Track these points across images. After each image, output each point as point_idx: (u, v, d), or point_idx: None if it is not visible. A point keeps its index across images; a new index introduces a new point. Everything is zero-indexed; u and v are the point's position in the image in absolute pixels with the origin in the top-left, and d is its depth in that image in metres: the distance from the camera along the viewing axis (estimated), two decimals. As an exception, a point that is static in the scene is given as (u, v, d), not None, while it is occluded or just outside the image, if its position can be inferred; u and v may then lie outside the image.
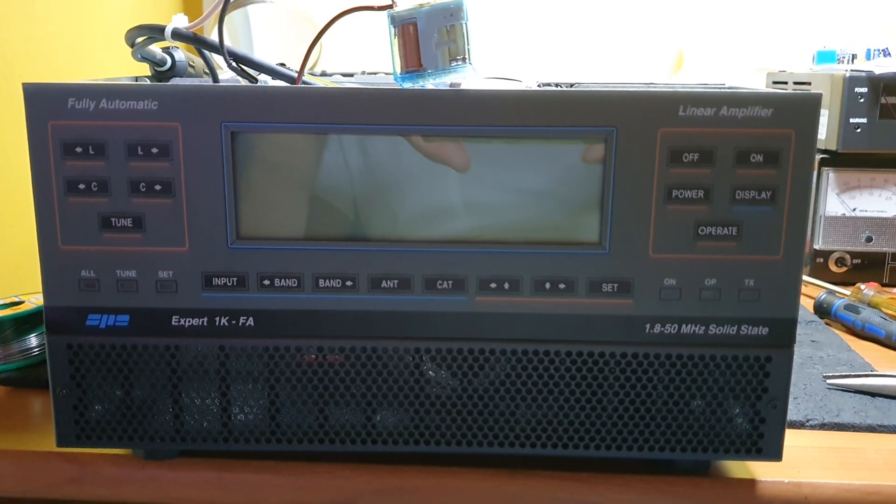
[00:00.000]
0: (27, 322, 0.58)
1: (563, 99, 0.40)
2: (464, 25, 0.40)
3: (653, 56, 1.19)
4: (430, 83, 0.42)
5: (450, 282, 0.42)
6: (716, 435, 0.44)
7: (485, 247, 0.42)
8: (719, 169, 0.41)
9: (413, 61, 0.41)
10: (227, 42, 0.45)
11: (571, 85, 0.55)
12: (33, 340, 0.58)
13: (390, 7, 0.41)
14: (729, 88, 0.53)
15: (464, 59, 0.41)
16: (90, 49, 0.86)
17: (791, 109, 0.40)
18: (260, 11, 0.99)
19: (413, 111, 0.40)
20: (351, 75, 0.77)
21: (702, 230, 0.42)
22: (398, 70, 0.41)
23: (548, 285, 0.42)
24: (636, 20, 1.17)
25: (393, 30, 0.41)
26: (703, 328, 0.43)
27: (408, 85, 0.41)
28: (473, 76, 0.42)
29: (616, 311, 0.43)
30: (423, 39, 0.41)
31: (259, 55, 1.09)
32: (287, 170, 0.42)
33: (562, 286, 0.42)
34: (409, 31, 0.41)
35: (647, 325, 0.43)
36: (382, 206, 0.42)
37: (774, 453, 0.44)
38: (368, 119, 0.41)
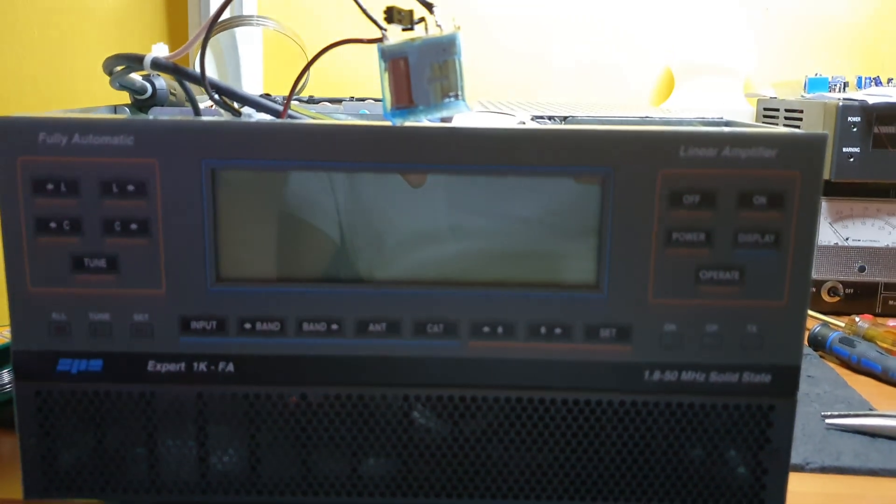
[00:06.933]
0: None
1: (558, 137, 0.39)
2: (457, 61, 0.39)
3: (641, 73, 1.18)
4: (421, 120, 0.40)
5: (441, 325, 0.40)
6: (716, 486, 0.42)
7: (478, 288, 0.40)
8: (721, 211, 0.39)
9: (404, 98, 0.39)
10: (212, 71, 0.43)
11: (565, 118, 0.53)
12: (5, 377, 0.55)
13: (380, 41, 0.40)
14: (728, 126, 0.52)
15: (456, 96, 0.39)
16: (70, 75, 0.84)
17: (796, 150, 0.39)
18: (247, 33, 0.97)
19: (402, 149, 0.39)
20: (339, 101, 0.75)
21: (703, 274, 0.40)
22: (388, 106, 0.40)
23: (543, 330, 0.40)
24: (626, 37, 1.17)
25: (383, 64, 0.40)
26: (703, 375, 0.41)
27: (398, 122, 0.40)
28: (466, 112, 0.40)
29: (614, 358, 0.41)
30: (415, 75, 0.39)
31: (246, 77, 1.07)
32: (270, 208, 0.40)
33: (558, 331, 0.40)
34: (399, 66, 0.39)
35: (647, 372, 0.41)
36: (370, 245, 0.41)
37: (777, 505, 0.42)
38: (355, 157, 0.39)
